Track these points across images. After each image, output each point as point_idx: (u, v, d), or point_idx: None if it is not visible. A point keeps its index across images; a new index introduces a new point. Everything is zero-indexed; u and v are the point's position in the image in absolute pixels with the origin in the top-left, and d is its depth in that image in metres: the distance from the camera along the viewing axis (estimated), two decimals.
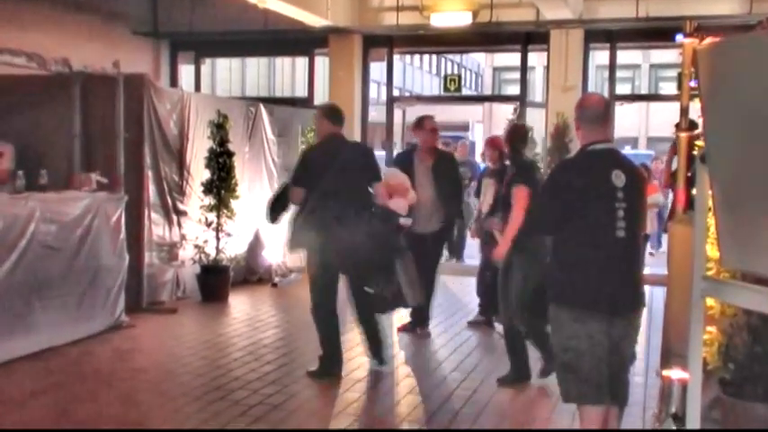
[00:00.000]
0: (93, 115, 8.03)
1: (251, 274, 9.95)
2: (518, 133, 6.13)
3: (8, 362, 6.00)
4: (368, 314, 6.16)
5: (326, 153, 5.95)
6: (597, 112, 4.11)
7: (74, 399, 5.33)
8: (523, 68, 12.50)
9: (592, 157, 4.11)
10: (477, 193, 7.80)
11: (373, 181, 6.07)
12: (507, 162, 6.33)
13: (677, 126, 5.70)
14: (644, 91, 35.35)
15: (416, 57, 34.85)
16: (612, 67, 12.19)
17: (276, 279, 9.96)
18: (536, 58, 13.07)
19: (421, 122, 7.48)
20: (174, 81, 13.61)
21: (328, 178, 5.77)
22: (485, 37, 12.37)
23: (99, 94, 7.93)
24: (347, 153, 5.96)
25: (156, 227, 8.47)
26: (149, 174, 8.32)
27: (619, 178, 4.00)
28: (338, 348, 6.04)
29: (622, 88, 25.76)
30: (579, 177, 4.07)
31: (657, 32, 11.34)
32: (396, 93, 13.81)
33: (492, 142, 7.54)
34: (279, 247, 9.94)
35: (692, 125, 5.55)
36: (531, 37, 12.05)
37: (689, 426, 4.25)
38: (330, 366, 5.96)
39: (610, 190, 3.99)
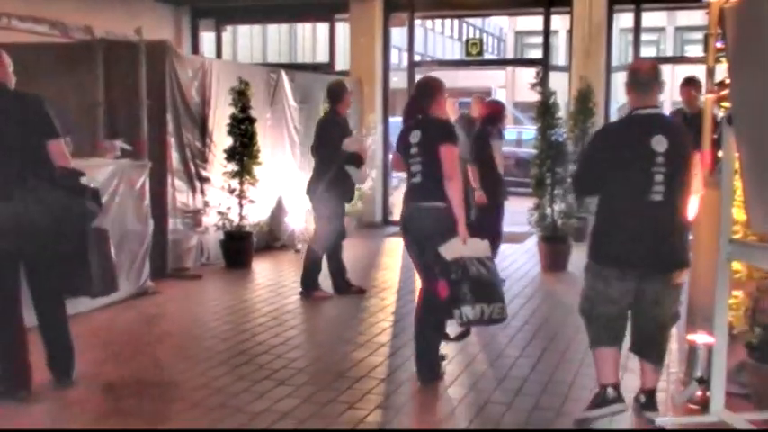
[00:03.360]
0: (115, 83, 8.06)
1: (274, 240, 10.00)
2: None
3: (35, 327, 6.08)
4: (53, 316, 4.86)
5: None
6: (644, 78, 4.27)
7: (101, 363, 5.41)
8: (546, 32, 12.36)
9: (634, 122, 4.29)
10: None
11: (47, 138, 4.60)
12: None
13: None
14: (669, 54, 34.86)
15: (437, 22, 34.54)
16: (637, 29, 12.01)
17: (299, 245, 9.99)
18: (559, 22, 12.90)
19: (345, 87, 7.57)
20: (195, 48, 13.60)
21: None
22: None
23: (121, 61, 7.95)
24: (4, 106, 4.59)
25: (180, 194, 8.51)
26: (172, 141, 8.35)
27: (660, 143, 4.13)
28: (18, 364, 4.69)
29: (647, 51, 25.40)
30: (616, 141, 4.32)
31: None
32: (417, 58, 13.69)
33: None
34: (301, 213, 9.96)
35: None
36: None
37: (714, 389, 4.27)
38: (8, 387, 4.65)
39: (647, 154, 4.13)
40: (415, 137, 5.07)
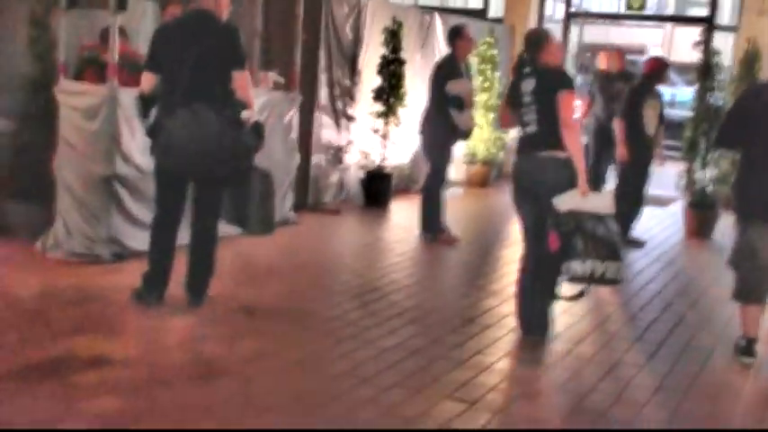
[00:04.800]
0: (273, 15, 8.19)
1: (413, 183, 10.04)
2: None
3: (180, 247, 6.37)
4: (205, 237, 5.08)
5: (179, 31, 4.93)
6: None
7: (238, 285, 5.61)
8: None
9: None
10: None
11: (235, 67, 4.84)
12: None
13: None
14: None
15: None
16: None
17: None
18: None
19: (461, 31, 7.48)
20: None
21: (176, 62, 4.78)
22: None
23: None
24: (203, 32, 4.84)
25: (325, 130, 8.65)
26: (322, 77, 8.47)
27: None
28: (162, 272, 5.04)
29: None
30: (753, 102, 4.81)
31: None
32: (572, 10, 13.28)
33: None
34: None
35: None
36: None
37: None
38: (149, 288, 5.02)
39: None
40: (530, 85, 4.88)
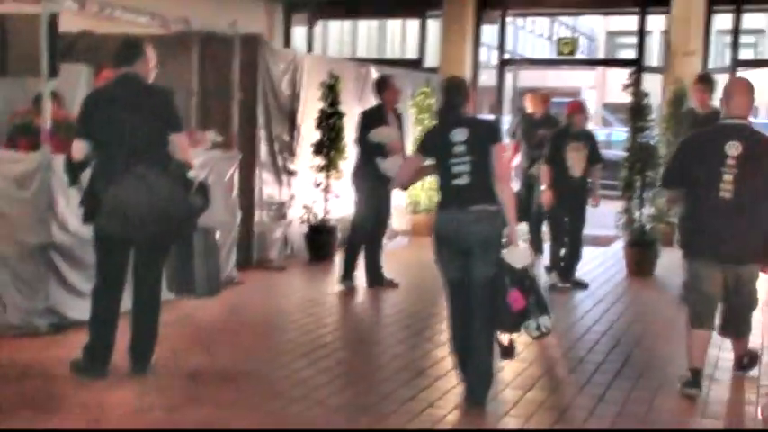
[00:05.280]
0: (209, 74, 8.19)
1: None
2: None
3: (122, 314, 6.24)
4: (148, 303, 4.98)
5: (112, 97, 4.84)
6: (732, 92, 4.93)
7: (182, 351, 5.50)
8: (641, 32, 12.10)
9: (717, 129, 5.02)
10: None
11: (172, 130, 4.85)
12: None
13: None
14: None
15: (528, 20, 34.13)
16: (736, 31, 11.63)
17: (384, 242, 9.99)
18: (652, 22, 12.63)
19: (388, 81, 7.75)
20: (287, 42, 13.76)
21: (113, 128, 4.72)
22: None
23: (216, 53, 8.09)
24: (137, 97, 4.81)
25: (267, 186, 8.63)
26: (261, 133, 8.46)
27: (733, 148, 4.73)
28: (106, 343, 4.88)
29: (745, 54, 24.58)
30: (698, 143, 5.07)
31: None
32: (506, 56, 13.58)
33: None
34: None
35: None
36: None
37: None
38: (91, 360, 4.86)
39: (719, 157, 4.75)
40: (460, 135, 4.64)
